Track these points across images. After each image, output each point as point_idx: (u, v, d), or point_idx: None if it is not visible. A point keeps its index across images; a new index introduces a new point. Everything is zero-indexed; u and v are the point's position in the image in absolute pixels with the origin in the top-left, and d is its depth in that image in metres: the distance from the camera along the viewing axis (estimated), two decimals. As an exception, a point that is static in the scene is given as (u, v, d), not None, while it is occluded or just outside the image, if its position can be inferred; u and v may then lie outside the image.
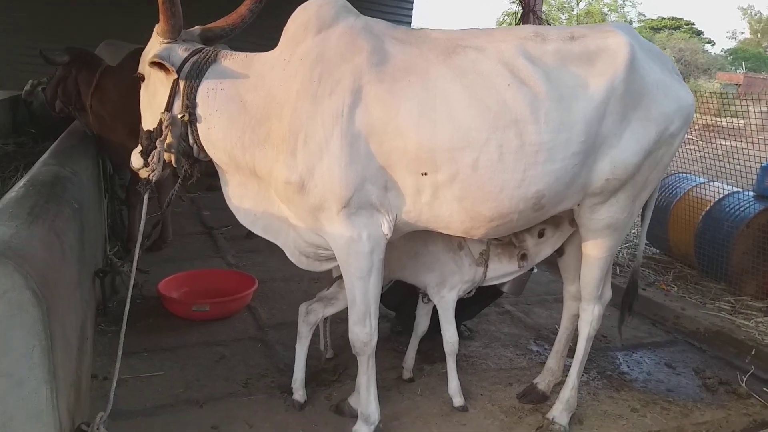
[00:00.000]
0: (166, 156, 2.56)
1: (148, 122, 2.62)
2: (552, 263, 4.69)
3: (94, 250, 3.63)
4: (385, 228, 2.47)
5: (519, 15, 7.64)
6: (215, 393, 3.09)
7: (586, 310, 2.92)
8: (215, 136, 2.52)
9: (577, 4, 39.01)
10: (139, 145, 2.62)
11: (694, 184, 5.39)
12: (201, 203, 6.91)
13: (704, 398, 3.36)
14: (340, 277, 2.82)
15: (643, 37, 2.70)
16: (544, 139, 2.33)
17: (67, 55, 4.61)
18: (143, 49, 2.68)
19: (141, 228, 2.60)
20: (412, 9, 12.61)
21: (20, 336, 1.71)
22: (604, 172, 2.50)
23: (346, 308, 2.67)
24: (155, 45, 2.56)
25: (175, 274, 4.27)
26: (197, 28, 2.68)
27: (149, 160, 2.55)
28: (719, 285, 4.92)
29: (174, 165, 2.63)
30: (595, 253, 2.76)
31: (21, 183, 2.69)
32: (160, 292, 3.98)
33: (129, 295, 2.59)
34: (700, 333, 4.19)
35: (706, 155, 5.49)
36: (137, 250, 2.62)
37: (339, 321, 3.52)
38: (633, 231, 5.80)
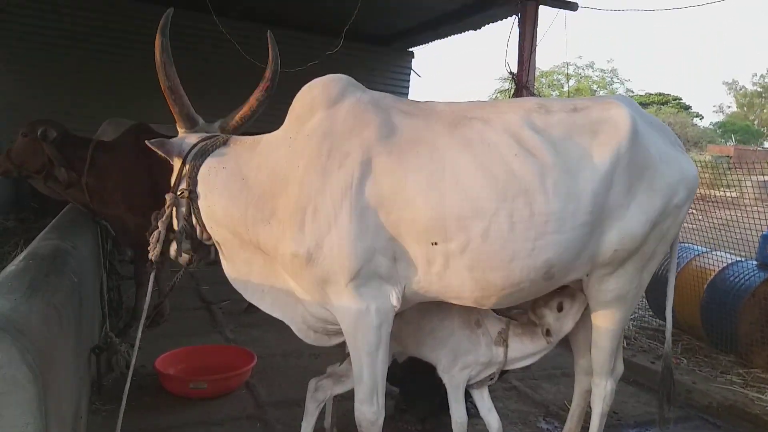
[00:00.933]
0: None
1: None
2: (558, 336, 4.61)
3: (91, 325, 3.55)
4: (394, 299, 2.43)
5: (512, 92, 7.84)
6: (212, 477, 2.95)
7: (598, 385, 2.84)
8: (216, 212, 2.57)
9: (567, 81, 40.33)
10: None
11: (695, 253, 5.35)
12: (200, 277, 6.85)
13: (724, 478, 3.22)
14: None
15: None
16: (552, 208, 2.33)
17: (54, 130, 4.47)
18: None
19: (145, 306, 2.59)
20: (408, 86, 13.00)
21: (14, 414, 1.63)
22: (613, 243, 2.49)
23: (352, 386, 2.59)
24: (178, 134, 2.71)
25: (172, 351, 4.16)
26: (218, 121, 2.81)
27: (150, 239, 2.62)
28: (729, 357, 4.80)
29: (177, 246, 2.66)
30: (605, 325, 2.71)
31: (21, 256, 2.66)
32: (157, 369, 3.87)
33: (130, 373, 2.54)
34: (713, 408, 4.06)
35: (705, 225, 5.50)
36: (140, 329, 2.59)
37: (341, 399, 3.41)
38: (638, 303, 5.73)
